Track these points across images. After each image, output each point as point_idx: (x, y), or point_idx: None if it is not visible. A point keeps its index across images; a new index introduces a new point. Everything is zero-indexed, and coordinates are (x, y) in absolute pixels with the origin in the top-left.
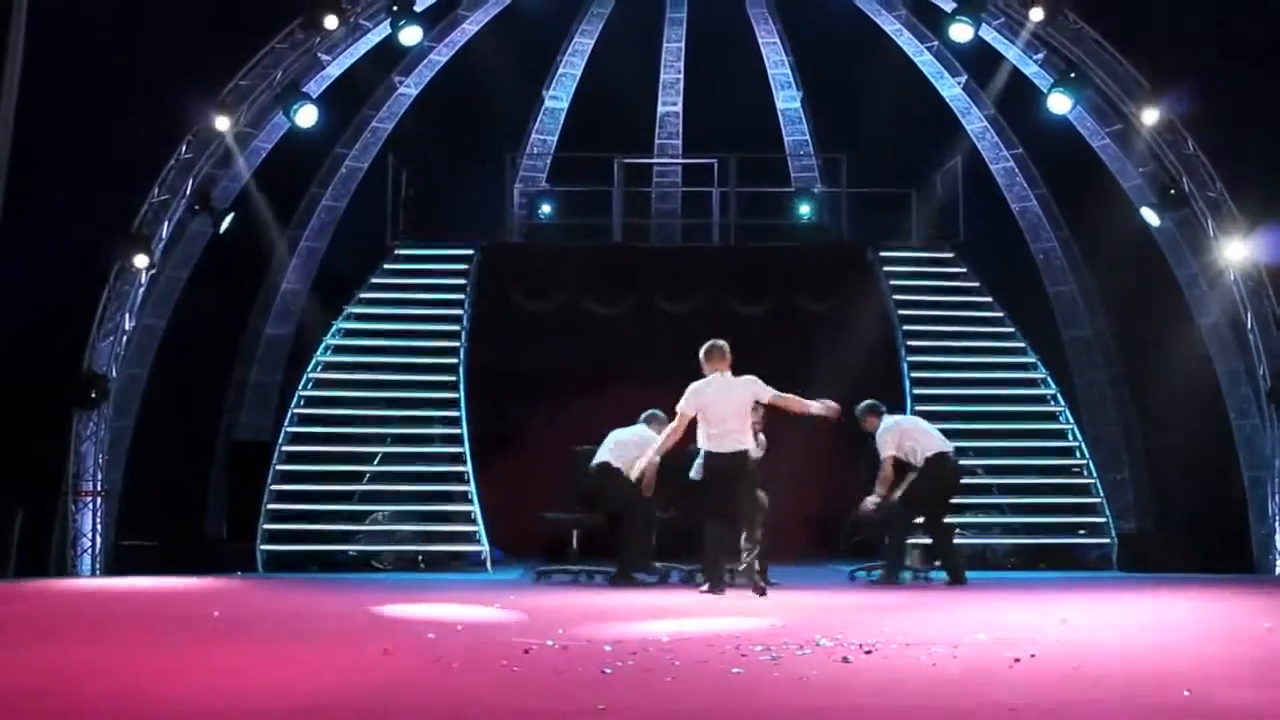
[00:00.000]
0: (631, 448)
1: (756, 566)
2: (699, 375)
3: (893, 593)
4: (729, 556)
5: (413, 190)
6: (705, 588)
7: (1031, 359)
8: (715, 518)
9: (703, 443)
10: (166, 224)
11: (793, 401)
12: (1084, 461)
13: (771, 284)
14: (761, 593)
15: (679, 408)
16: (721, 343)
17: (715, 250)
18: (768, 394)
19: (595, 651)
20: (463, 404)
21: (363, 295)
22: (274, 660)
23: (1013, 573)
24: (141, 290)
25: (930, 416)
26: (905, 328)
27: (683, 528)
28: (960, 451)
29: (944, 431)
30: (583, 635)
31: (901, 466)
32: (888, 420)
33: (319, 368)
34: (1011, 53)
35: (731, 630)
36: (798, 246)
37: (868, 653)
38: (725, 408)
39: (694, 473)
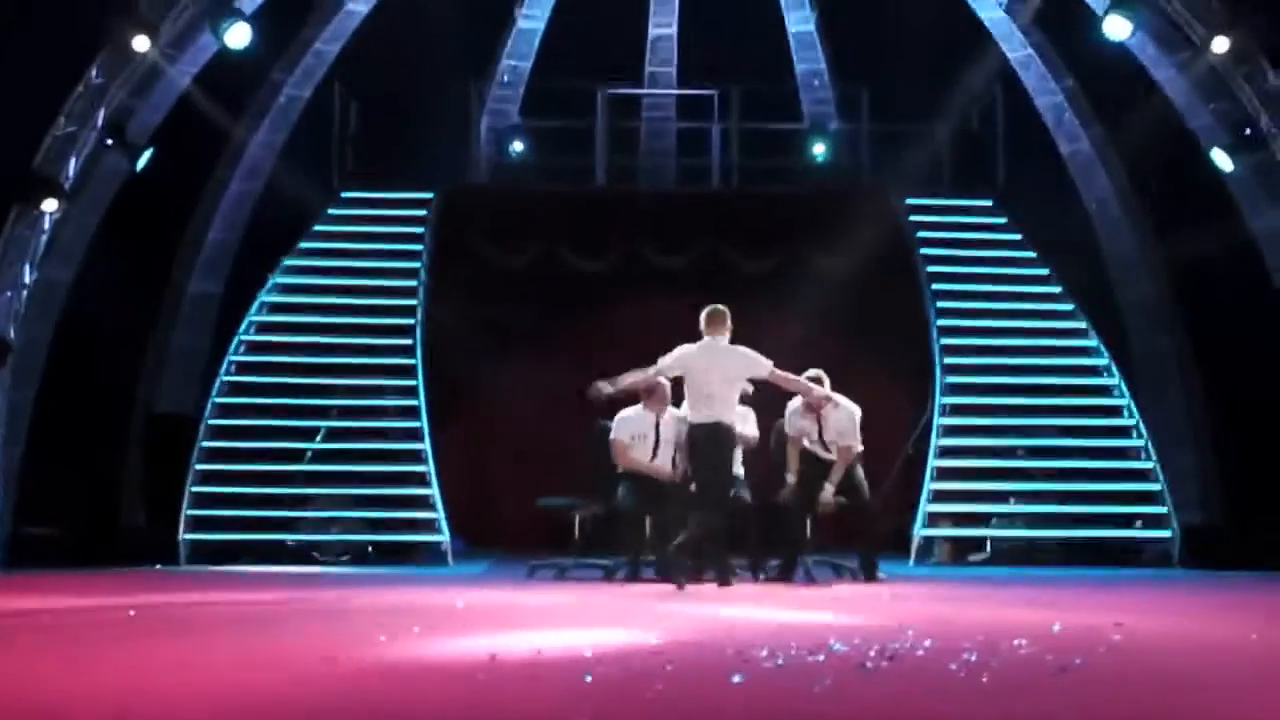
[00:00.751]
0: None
1: (686, 559)
2: (693, 342)
3: (919, 588)
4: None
5: (362, 125)
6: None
7: (1082, 324)
8: (707, 501)
9: (685, 412)
10: (74, 160)
11: (793, 382)
12: (1142, 443)
13: (779, 236)
14: (681, 587)
15: (660, 361)
16: (724, 308)
17: (714, 196)
18: (764, 369)
19: (574, 656)
20: (420, 373)
21: (304, 246)
22: (194, 669)
23: (1059, 569)
24: (44, 238)
25: (964, 390)
26: (935, 287)
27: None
28: (999, 430)
29: (979, 407)
30: (560, 637)
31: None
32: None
33: (252, 329)
34: None
35: (732, 631)
36: (810, 192)
37: (889, 659)
38: (712, 375)
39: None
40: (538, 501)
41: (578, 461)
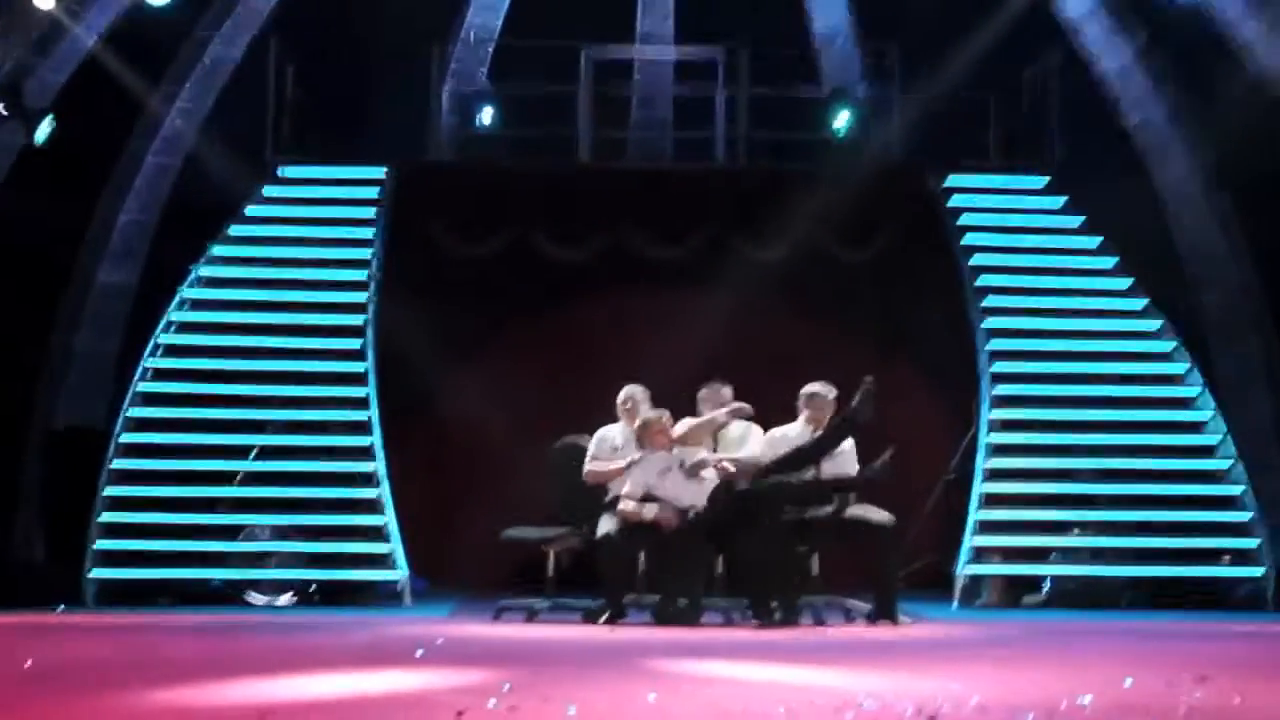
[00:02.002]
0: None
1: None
2: (692, 348)
3: (963, 635)
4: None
5: (302, 90)
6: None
7: (1155, 323)
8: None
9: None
10: None
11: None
12: (1228, 465)
13: (795, 221)
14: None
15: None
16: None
17: (718, 174)
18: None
19: (555, 712)
20: (371, 381)
21: (233, 232)
22: None
23: (1131, 614)
24: None
25: (1016, 402)
26: (980, 282)
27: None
28: (1058, 450)
29: (1034, 423)
30: (539, 689)
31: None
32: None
33: (172, 329)
34: None
35: (743, 682)
36: (832, 171)
37: (930, 719)
38: None
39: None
40: (503, 534)
41: (557, 483)
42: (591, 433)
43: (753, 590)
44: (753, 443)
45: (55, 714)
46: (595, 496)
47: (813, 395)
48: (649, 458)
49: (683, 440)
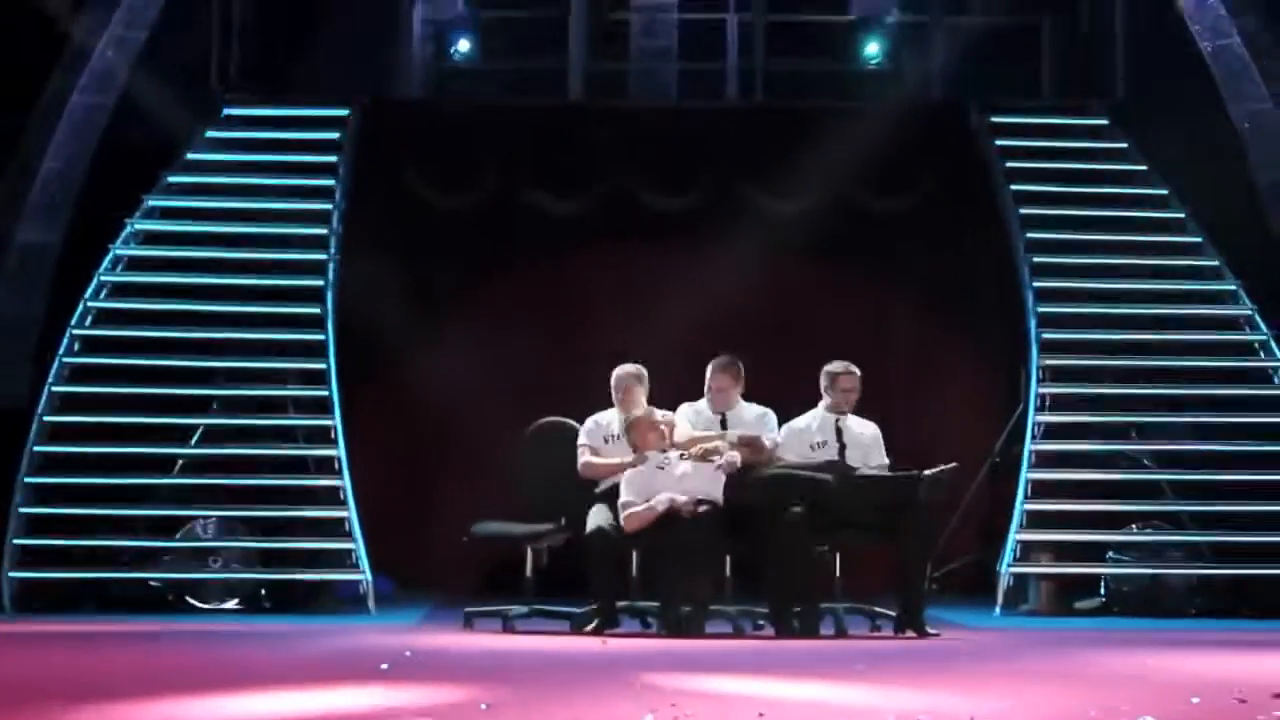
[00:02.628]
0: None
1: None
2: (700, 313)
3: (1007, 644)
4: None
5: (254, 16)
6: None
7: (1231, 285)
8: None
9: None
10: None
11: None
12: None
13: (818, 167)
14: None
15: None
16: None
17: (731, 113)
18: None
19: None
20: (331, 353)
21: (174, 180)
22: None
23: (1198, 620)
24: None
25: (1070, 375)
26: (1030, 235)
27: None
28: (1117, 430)
29: (1090, 400)
30: (521, 709)
31: None
32: None
33: (104, 293)
34: None
35: (756, 700)
36: (861, 107)
37: None
38: None
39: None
40: (473, 529)
41: (544, 472)
42: (583, 413)
43: (773, 595)
44: (768, 429)
45: None
46: (580, 485)
47: (835, 375)
48: (644, 462)
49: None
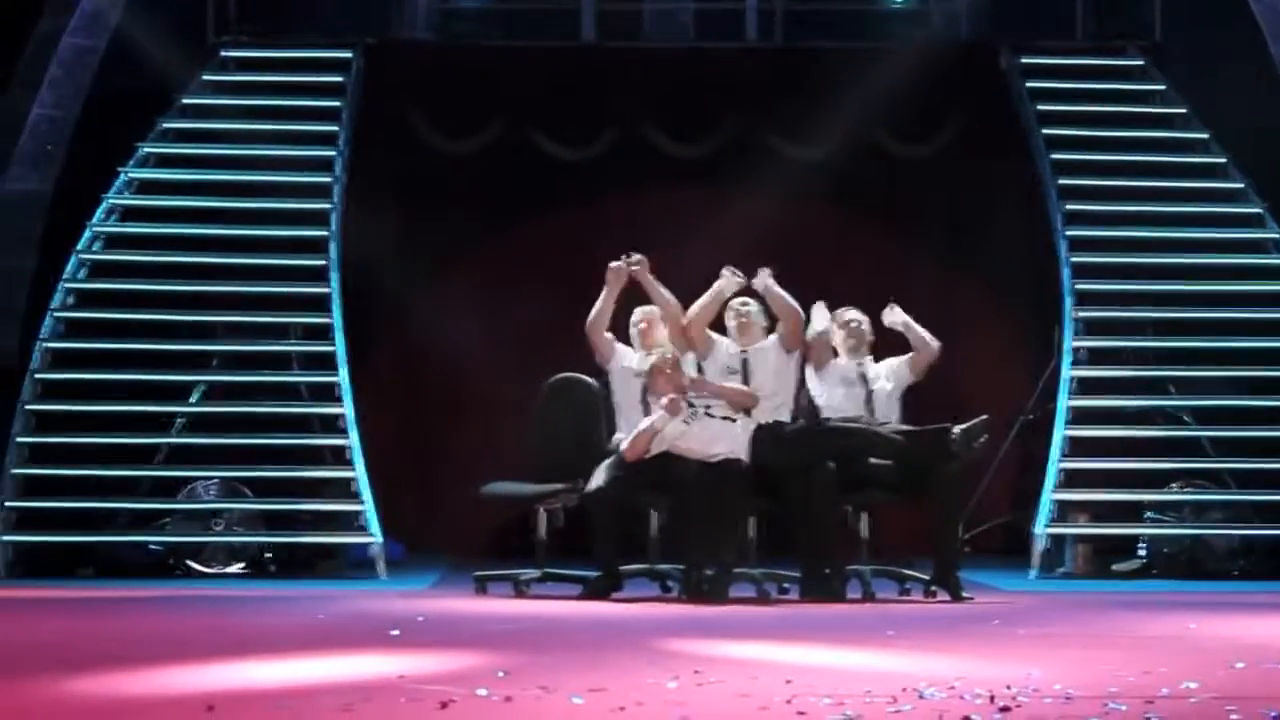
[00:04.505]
0: None
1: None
2: (717, 262)
3: (1042, 608)
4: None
5: None
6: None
7: (1275, 235)
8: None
9: None
10: None
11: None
12: None
13: (841, 111)
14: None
15: None
16: None
17: (749, 54)
18: None
19: (557, 704)
20: (336, 306)
21: (169, 126)
22: None
23: (1241, 583)
24: None
25: (1106, 328)
26: (1063, 182)
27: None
28: (1156, 386)
29: (1127, 354)
30: (538, 676)
31: None
32: None
33: (97, 245)
34: None
35: (782, 666)
36: (886, 48)
37: (1004, 710)
38: None
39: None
40: (482, 490)
41: (557, 428)
42: (595, 369)
43: (804, 556)
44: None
45: None
46: (595, 443)
47: (848, 323)
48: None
49: (692, 333)
